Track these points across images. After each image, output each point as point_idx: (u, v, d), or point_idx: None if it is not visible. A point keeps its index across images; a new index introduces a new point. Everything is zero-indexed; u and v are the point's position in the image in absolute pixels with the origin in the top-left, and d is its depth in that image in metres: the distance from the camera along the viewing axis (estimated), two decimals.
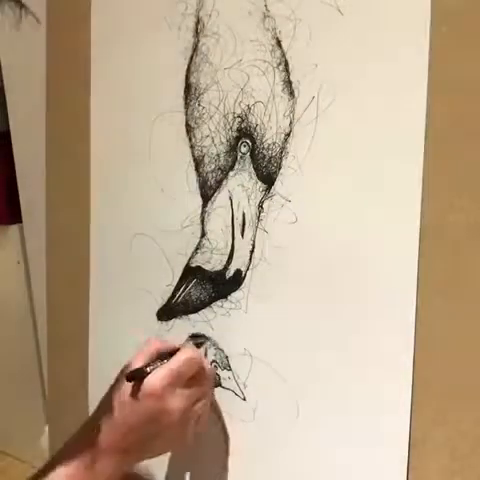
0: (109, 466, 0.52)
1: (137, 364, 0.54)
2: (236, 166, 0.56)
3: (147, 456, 0.54)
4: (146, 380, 0.52)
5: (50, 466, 0.52)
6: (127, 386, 0.52)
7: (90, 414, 0.57)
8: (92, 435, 0.52)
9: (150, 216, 0.64)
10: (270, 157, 0.53)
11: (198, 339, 0.61)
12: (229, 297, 0.58)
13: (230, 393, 0.59)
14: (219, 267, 0.59)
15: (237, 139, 0.56)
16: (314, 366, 0.52)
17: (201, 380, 0.55)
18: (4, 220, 1.01)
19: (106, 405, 0.54)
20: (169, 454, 0.64)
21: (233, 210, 0.57)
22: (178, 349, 0.56)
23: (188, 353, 0.55)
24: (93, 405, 0.75)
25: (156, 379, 0.52)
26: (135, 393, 0.52)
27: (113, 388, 0.55)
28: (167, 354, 0.55)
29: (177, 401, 0.52)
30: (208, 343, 0.61)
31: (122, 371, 0.55)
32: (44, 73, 0.75)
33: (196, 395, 0.54)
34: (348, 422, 0.50)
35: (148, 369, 0.52)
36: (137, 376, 0.52)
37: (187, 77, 0.59)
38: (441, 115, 0.43)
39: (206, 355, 0.60)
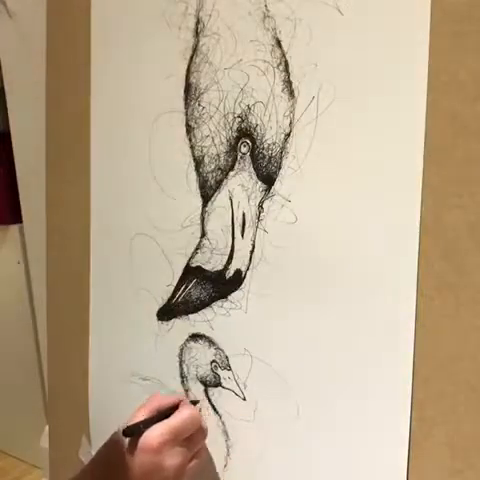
0: None
1: (137, 419, 0.54)
2: (236, 166, 0.56)
3: None
4: (144, 435, 0.52)
5: None
6: (124, 441, 0.53)
7: (90, 416, 0.57)
8: None
9: (150, 216, 0.64)
10: (270, 157, 0.53)
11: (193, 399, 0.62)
12: (229, 297, 0.58)
13: (230, 393, 0.59)
14: (219, 267, 0.59)
15: (237, 139, 0.56)
16: (314, 366, 0.52)
17: (198, 439, 0.56)
18: (4, 220, 1.01)
19: (100, 459, 0.54)
20: None
21: (233, 210, 0.57)
22: (177, 405, 0.56)
23: (188, 412, 0.55)
24: (93, 405, 0.76)
25: (155, 435, 0.52)
26: (132, 448, 0.52)
27: (109, 442, 0.55)
28: (167, 409, 0.56)
29: (173, 458, 0.52)
30: (201, 405, 0.61)
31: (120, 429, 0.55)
32: (44, 73, 0.76)
33: (192, 453, 0.55)
34: (348, 422, 0.50)
35: (141, 426, 0.53)
36: (134, 431, 0.53)
37: (187, 77, 0.59)
38: (441, 115, 0.43)
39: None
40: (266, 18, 0.52)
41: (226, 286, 0.58)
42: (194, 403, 0.60)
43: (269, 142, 0.53)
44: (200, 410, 0.61)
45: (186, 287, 0.62)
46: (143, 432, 0.52)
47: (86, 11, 0.68)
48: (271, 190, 0.53)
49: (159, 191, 0.63)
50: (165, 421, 0.53)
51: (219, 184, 0.58)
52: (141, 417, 0.54)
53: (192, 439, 0.55)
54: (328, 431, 0.52)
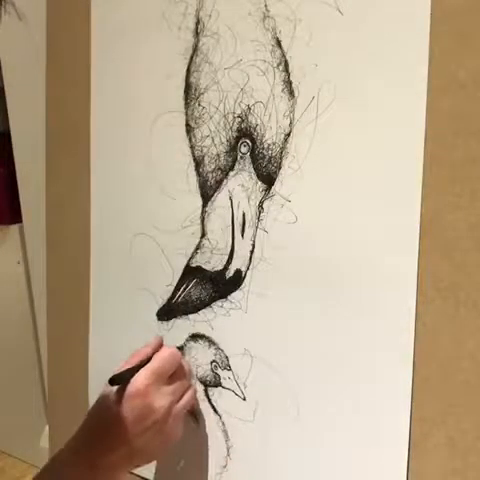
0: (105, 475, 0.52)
1: (122, 370, 0.55)
2: (236, 166, 0.56)
3: (136, 464, 0.55)
4: (130, 382, 0.53)
5: None
6: (112, 390, 0.54)
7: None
8: (80, 447, 0.53)
9: (150, 216, 0.64)
10: (270, 157, 0.53)
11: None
12: (229, 297, 0.58)
13: (230, 393, 0.59)
14: (219, 267, 0.59)
15: (237, 139, 0.56)
16: (314, 366, 0.52)
17: (182, 375, 0.57)
18: (4, 220, 1.01)
19: (94, 414, 0.55)
20: (169, 454, 0.64)
21: (233, 210, 0.57)
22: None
23: (166, 351, 0.57)
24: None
25: (140, 379, 0.53)
26: (121, 396, 0.53)
27: (99, 398, 0.55)
28: (149, 356, 0.56)
29: (162, 398, 0.54)
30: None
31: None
32: (44, 73, 0.76)
33: (180, 390, 0.56)
34: (348, 422, 0.50)
35: (127, 374, 0.54)
36: (120, 380, 0.53)
37: (187, 77, 0.59)
38: (441, 115, 0.43)
39: (183, 355, 0.62)
40: (266, 18, 0.52)
41: (226, 286, 0.58)
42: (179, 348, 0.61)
43: (269, 142, 0.53)
44: (183, 353, 0.62)
45: (186, 287, 0.62)
46: (129, 380, 0.53)
47: (86, 11, 0.68)
48: (271, 190, 0.53)
49: (159, 191, 0.63)
50: (147, 365, 0.55)
51: (219, 184, 0.58)
52: (128, 366, 0.55)
53: (176, 378, 0.56)
54: (328, 431, 0.52)
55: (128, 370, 0.54)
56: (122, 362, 0.57)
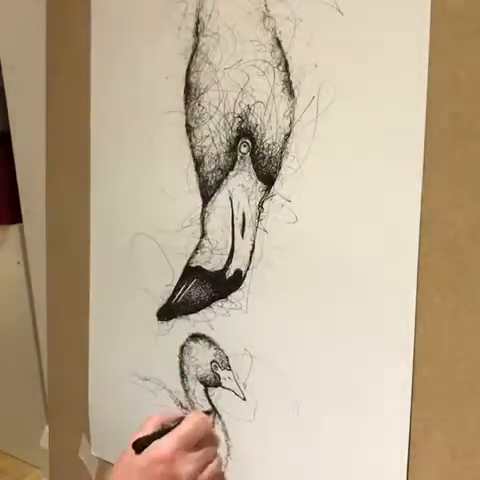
0: None
1: (144, 433, 0.53)
2: (236, 166, 0.56)
3: None
4: (155, 446, 0.52)
5: None
6: (134, 455, 0.52)
7: (90, 416, 0.56)
8: None
9: (150, 216, 0.64)
10: (270, 157, 0.53)
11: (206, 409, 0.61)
12: (229, 297, 0.58)
13: (230, 393, 0.59)
14: (219, 267, 0.59)
15: (237, 139, 0.56)
16: (314, 366, 0.52)
17: (210, 443, 0.55)
18: (4, 220, 1.01)
19: (116, 477, 0.53)
20: None
21: (233, 210, 0.57)
22: (183, 417, 0.56)
23: (195, 417, 0.55)
24: (93, 405, 0.75)
25: (166, 444, 0.52)
26: (144, 460, 0.51)
27: (118, 463, 0.54)
28: (174, 422, 0.55)
29: (186, 465, 0.52)
30: (214, 415, 0.61)
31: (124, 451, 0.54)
32: (44, 73, 0.76)
33: (205, 458, 0.54)
34: (348, 422, 0.50)
35: (151, 438, 0.52)
36: (144, 444, 0.52)
37: (187, 77, 0.59)
38: (441, 115, 0.43)
39: (213, 425, 0.60)
40: (266, 18, 0.52)
41: (226, 286, 0.58)
42: (207, 413, 0.60)
43: (269, 142, 0.53)
44: (213, 422, 0.61)
45: (186, 287, 0.62)
46: (150, 443, 0.52)
47: (86, 11, 0.68)
48: (271, 190, 0.53)
49: (159, 191, 0.63)
50: (174, 430, 0.53)
51: (219, 184, 0.58)
52: (148, 431, 0.54)
53: (203, 445, 0.55)
54: (328, 431, 0.52)
55: (152, 435, 0.53)
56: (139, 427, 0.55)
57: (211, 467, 0.55)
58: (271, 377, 0.55)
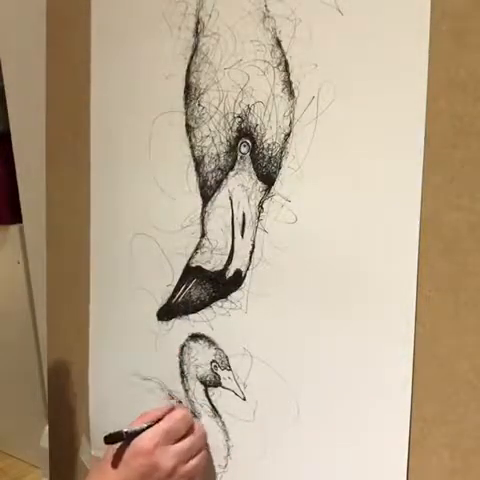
0: None
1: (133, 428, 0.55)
2: (236, 166, 0.56)
3: None
4: (139, 438, 0.53)
5: None
6: (115, 449, 0.54)
7: (90, 416, 0.57)
8: None
9: (150, 216, 0.64)
10: (270, 157, 0.53)
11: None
12: (229, 297, 0.58)
13: (230, 393, 0.59)
14: (219, 267, 0.59)
15: (237, 139, 0.56)
16: (314, 366, 0.52)
17: (192, 438, 0.57)
18: (4, 220, 1.01)
19: (96, 470, 0.55)
20: None
21: (233, 210, 0.57)
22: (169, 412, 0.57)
23: (178, 413, 0.57)
24: (93, 405, 0.75)
25: (147, 437, 0.53)
26: (127, 454, 0.53)
27: (105, 453, 0.56)
28: (159, 417, 0.57)
29: (167, 457, 0.53)
30: (201, 409, 0.61)
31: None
32: (44, 73, 0.76)
33: (188, 451, 0.56)
34: (348, 422, 0.50)
35: (125, 429, 0.54)
36: (117, 439, 0.54)
37: (187, 77, 0.59)
38: (441, 115, 0.43)
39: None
40: (266, 18, 0.52)
41: (226, 286, 0.58)
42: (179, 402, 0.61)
43: (269, 142, 0.53)
44: (195, 415, 0.62)
45: (186, 287, 0.62)
46: (124, 438, 0.54)
47: (86, 11, 0.68)
48: (271, 190, 0.53)
49: (159, 191, 0.63)
50: (156, 424, 0.55)
51: (219, 184, 0.58)
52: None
53: (186, 439, 0.56)
54: (328, 431, 0.52)
55: (130, 430, 0.54)
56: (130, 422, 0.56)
57: (195, 460, 0.56)
58: (271, 377, 0.55)
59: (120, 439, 0.54)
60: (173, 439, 0.55)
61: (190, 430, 0.57)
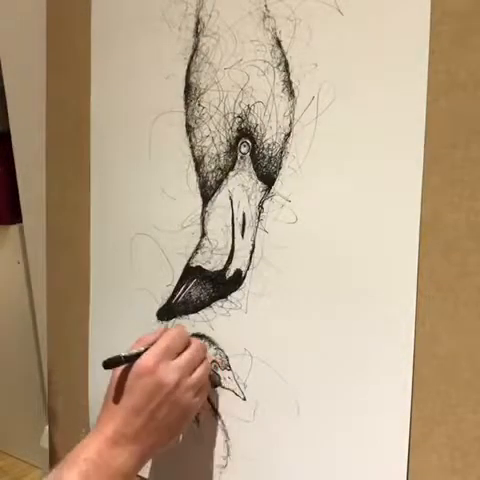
0: (119, 455, 0.52)
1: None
2: (236, 166, 0.56)
3: (158, 441, 0.54)
4: (138, 361, 0.53)
5: (60, 467, 0.52)
6: (116, 372, 0.54)
7: (90, 416, 0.57)
8: (96, 430, 0.54)
9: (150, 216, 0.64)
10: (270, 157, 0.53)
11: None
12: (229, 297, 0.58)
13: (230, 393, 0.59)
14: (219, 267, 0.59)
15: (237, 139, 0.56)
16: (314, 366, 0.52)
17: (192, 351, 0.57)
18: (4, 220, 1.01)
19: (107, 395, 0.55)
20: (168, 454, 0.64)
21: (233, 210, 0.57)
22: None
23: (173, 330, 0.57)
24: (93, 405, 0.75)
25: (147, 357, 0.53)
26: (131, 375, 0.53)
27: (111, 377, 0.56)
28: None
29: (171, 372, 0.53)
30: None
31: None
32: (44, 73, 0.75)
33: (191, 364, 0.56)
34: (348, 422, 0.50)
35: (123, 353, 0.54)
36: (115, 363, 0.54)
37: (187, 77, 0.59)
38: (441, 115, 0.43)
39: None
40: (266, 18, 0.52)
41: (226, 286, 0.58)
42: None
43: (269, 142, 0.53)
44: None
45: (186, 287, 0.62)
46: (123, 361, 0.54)
47: (86, 11, 0.68)
48: (271, 190, 0.53)
49: (159, 191, 0.63)
50: (155, 344, 0.55)
51: (219, 184, 0.58)
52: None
53: (186, 353, 0.56)
54: (328, 431, 0.52)
55: (127, 354, 0.55)
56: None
57: (198, 372, 0.56)
58: (271, 377, 0.55)
59: (119, 363, 0.54)
60: (173, 355, 0.55)
61: (188, 344, 0.57)
